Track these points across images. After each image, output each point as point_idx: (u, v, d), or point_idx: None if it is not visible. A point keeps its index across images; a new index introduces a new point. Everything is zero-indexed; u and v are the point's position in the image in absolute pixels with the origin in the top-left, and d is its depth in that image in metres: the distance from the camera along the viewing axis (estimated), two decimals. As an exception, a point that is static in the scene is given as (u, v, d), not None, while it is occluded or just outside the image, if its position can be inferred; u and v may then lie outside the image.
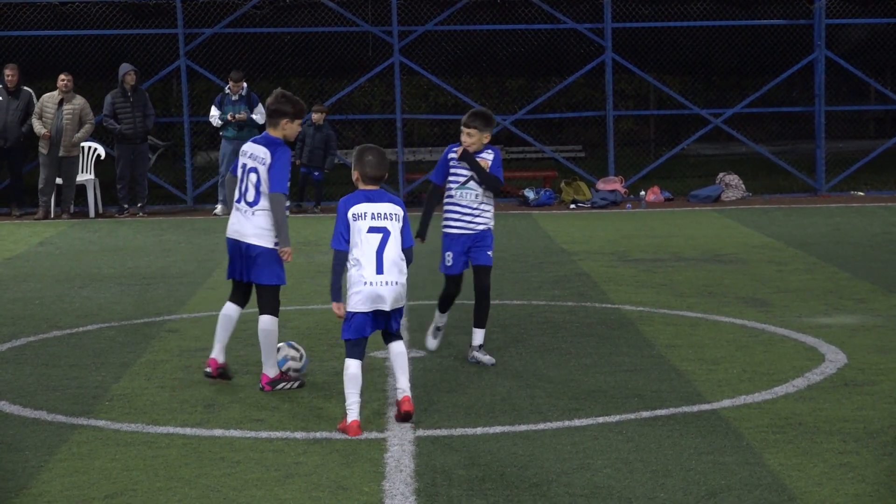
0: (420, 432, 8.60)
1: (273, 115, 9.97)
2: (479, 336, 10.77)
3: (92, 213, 23.81)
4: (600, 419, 8.89)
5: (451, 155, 10.68)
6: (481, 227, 10.68)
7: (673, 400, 9.39)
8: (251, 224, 9.98)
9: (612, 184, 25.16)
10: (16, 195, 24.03)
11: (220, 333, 10.23)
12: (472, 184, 10.64)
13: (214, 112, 23.51)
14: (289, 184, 9.95)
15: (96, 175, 24.21)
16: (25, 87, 23.64)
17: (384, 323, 8.85)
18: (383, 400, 9.53)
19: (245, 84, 23.65)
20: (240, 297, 10.35)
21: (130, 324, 12.83)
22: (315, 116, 23.70)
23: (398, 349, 8.92)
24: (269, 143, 9.91)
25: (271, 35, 29.72)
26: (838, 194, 25.95)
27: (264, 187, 9.88)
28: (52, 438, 8.61)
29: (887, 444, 8.18)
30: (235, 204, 10.04)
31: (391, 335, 8.94)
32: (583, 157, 31.04)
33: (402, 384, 8.85)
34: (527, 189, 25.29)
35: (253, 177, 9.91)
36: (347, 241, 8.90)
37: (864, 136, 34.16)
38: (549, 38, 29.26)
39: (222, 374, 10.20)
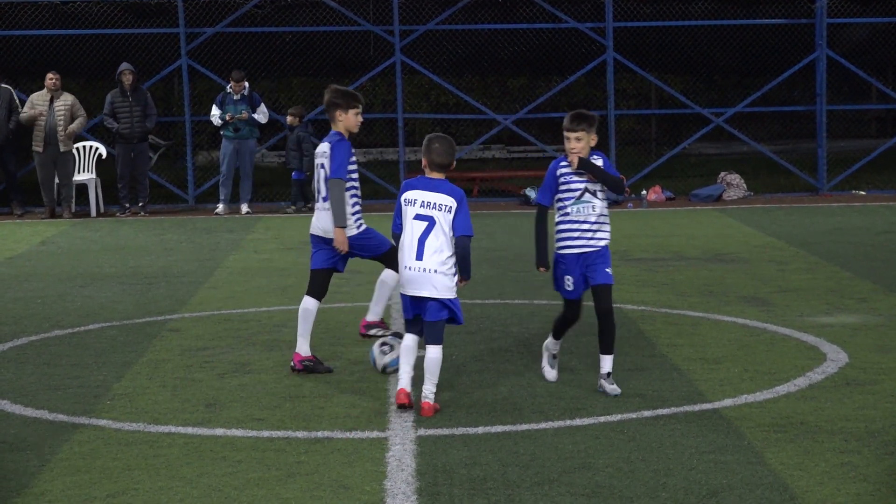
0: (422, 431, 8.61)
1: (328, 110, 10.50)
2: (607, 363, 9.60)
3: (93, 213, 23.82)
4: (602, 418, 8.89)
5: (563, 169, 9.70)
6: (603, 243, 9.62)
7: (674, 399, 9.39)
8: (327, 217, 10.46)
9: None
10: (14, 194, 24.02)
11: (301, 327, 10.48)
12: (588, 196, 9.69)
13: (215, 111, 23.53)
14: (348, 172, 10.36)
15: (97, 174, 24.22)
16: (4, 85, 23.61)
17: (421, 309, 9.13)
18: (384, 399, 9.53)
19: (247, 84, 23.66)
20: (319, 291, 10.61)
21: (132, 323, 12.84)
22: (289, 119, 23.66)
23: (431, 354, 9.15)
24: (329, 139, 10.47)
25: (273, 34, 29.71)
26: (840, 193, 25.94)
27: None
28: (54, 438, 8.61)
29: (888, 443, 8.17)
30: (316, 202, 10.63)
31: (429, 334, 9.15)
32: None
33: (427, 389, 9.08)
34: (528, 188, 25.28)
35: (321, 173, 10.48)
36: (400, 224, 9.26)
37: (866, 136, 34.13)
38: (550, 37, 29.24)
39: (308, 367, 10.41)
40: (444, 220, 9.09)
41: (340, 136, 10.41)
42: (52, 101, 23.08)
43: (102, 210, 24.11)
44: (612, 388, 9.55)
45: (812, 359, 10.61)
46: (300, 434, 8.61)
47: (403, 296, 9.21)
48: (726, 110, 26.91)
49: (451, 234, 9.12)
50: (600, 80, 27.66)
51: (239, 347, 11.52)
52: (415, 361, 9.26)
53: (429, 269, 9.05)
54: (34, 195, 24.18)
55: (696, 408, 9.14)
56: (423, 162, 9.32)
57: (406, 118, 26.84)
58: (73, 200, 23.68)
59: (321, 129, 28.78)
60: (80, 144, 24.32)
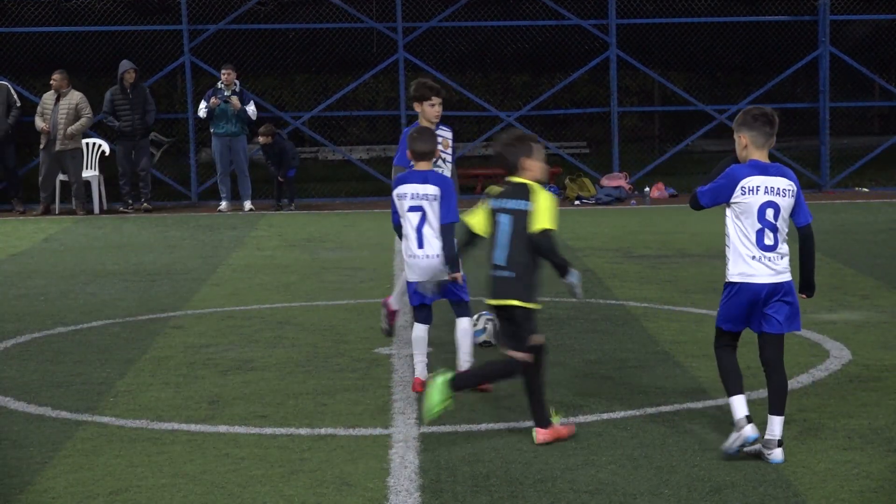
0: (425, 428, 8.60)
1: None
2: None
3: (96, 210, 23.82)
4: (605, 415, 8.89)
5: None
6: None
7: (677, 396, 9.38)
8: None
9: (616, 180, 25.16)
10: (14, 190, 24.02)
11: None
12: None
13: (203, 104, 23.48)
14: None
15: (100, 171, 24.23)
16: (2, 81, 23.62)
17: (440, 293, 9.44)
18: (387, 396, 9.53)
19: (237, 81, 23.61)
20: None
21: (135, 320, 12.84)
22: (262, 140, 23.60)
23: (462, 325, 9.63)
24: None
25: (275, 31, 29.71)
26: (843, 190, 25.93)
27: None
28: (57, 435, 8.62)
29: (892, 440, 8.17)
30: None
31: (459, 307, 9.59)
32: (587, 153, 31.04)
33: (461, 359, 9.51)
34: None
35: None
36: (398, 213, 9.58)
37: (869, 133, 34.13)
38: (553, 34, 29.23)
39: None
40: (433, 209, 9.40)
41: (406, 130, 10.81)
42: (58, 99, 23.12)
43: (106, 207, 24.12)
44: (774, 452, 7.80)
45: (815, 356, 10.60)
46: (303, 431, 8.61)
47: (409, 283, 9.58)
48: (729, 107, 26.90)
49: None
50: (603, 77, 27.66)
51: (242, 344, 11.52)
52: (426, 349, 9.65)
53: (431, 255, 9.40)
54: (33, 191, 24.17)
55: (699, 404, 9.14)
56: (408, 155, 9.60)
57: (409, 115, 26.83)
58: (84, 197, 23.67)
59: (323, 126, 28.81)
60: (83, 141, 24.33)
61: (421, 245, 9.44)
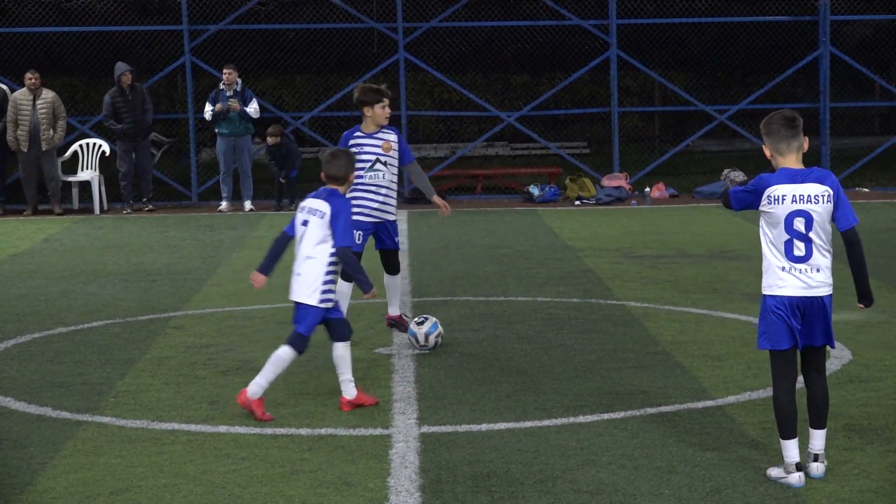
0: (425, 429, 8.61)
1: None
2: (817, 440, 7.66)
3: (97, 210, 23.82)
4: (605, 416, 8.89)
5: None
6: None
7: (678, 396, 9.39)
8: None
9: (616, 180, 25.15)
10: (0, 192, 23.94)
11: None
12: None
13: (208, 107, 23.48)
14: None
15: (101, 172, 24.22)
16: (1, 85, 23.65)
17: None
18: (387, 397, 9.53)
19: (239, 80, 23.61)
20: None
21: (135, 320, 12.84)
22: (270, 140, 23.59)
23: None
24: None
25: (276, 31, 29.70)
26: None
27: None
28: (57, 435, 8.62)
29: (892, 439, 8.17)
30: None
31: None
32: (587, 153, 31.01)
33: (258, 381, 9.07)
34: (531, 185, 25.28)
35: None
36: (291, 227, 9.33)
37: (869, 133, 34.10)
38: (553, 34, 29.22)
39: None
40: (314, 226, 9.11)
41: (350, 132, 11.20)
42: (34, 99, 23.09)
43: (106, 207, 24.12)
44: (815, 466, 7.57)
45: (815, 356, 10.59)
46: (304, 431, 8.62)
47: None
48: (730, 107, 26.89)
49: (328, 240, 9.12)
50: (604, 77, 27.65)
51: (242, 345, 11.52)
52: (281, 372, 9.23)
53: (297, 273, 9.29)
54: (18, 193, 24.14)
55: (700, 405, 9.15)
56: (322, 175, 9.33)
57: (409, 115, 26.82)
58: (61, 197, 23.65)
59: (323, 126, 28.81)
60: (83, 142, 24.33)
61: (296, 260, 9.24)
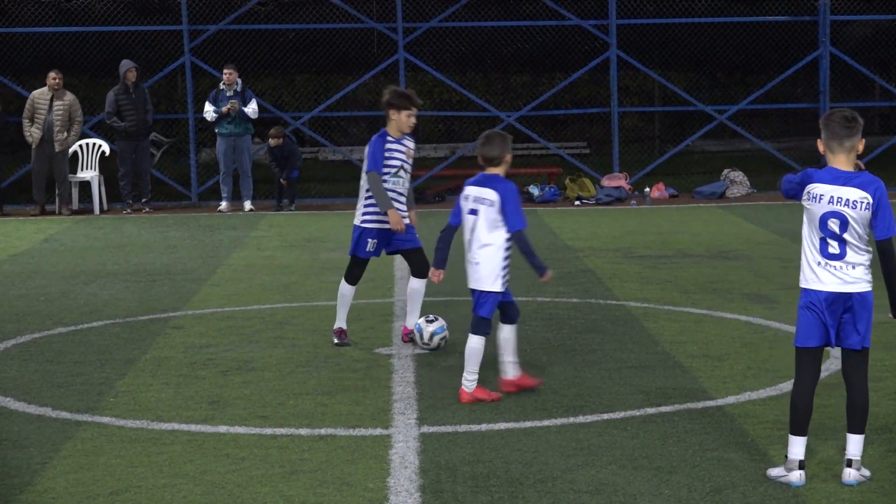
0: (425, 429, 8.61)
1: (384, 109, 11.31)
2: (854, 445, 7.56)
3: (97, 210, 23.82)
4: (605, 416, 8.89)
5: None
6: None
7: (678, 396, 9.38)
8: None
9: (616, 180, 25.15)
10: None
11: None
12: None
13: (209, 107, 23.48)
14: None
15: (101, 171, 24.22)
16: None
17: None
18: (387, 396, 9.53)
19: (239, 80, 23.61)
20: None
21: (135, 320, 12.84)
22: (272, 142, 23.60)
23: (504, 333, 9.59)
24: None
25: (276, 31, 29.71)
26: (843, 191, 25.91)
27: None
28: (57, 435, 8.62)
29: (892, 440, 8.17)
30: None
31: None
32: (587, 153, 31.03)
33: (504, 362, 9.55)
34: (531, 185, 25.28)
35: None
36: (456, 218, 9.58)
37: (869, 133, 33.96)
38: (553, 34, 29.24)
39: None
40: (485, 214, 9.33)
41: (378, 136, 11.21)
42: (52, 99, 23.10)
43: (106, 207, 24.12)
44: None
45: (815, 356, 10.59)
46: (303, 431, 8.61)
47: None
48: (730, 107, 26.90)
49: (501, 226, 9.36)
50: (604, 77, 27.65)
51: (242, 345, 11.52)
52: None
53: (474, 262, 9.42)
54: (18, 193, 24.14)
55: (700, 405, 9.14)
56: (479, 160, 9.63)
57: (409, 115, 26.78)
58: (71, 198, 23.67)
59: (323, 126, 28.82)
60: (83, 142, 24.32)
61: (469, 249, 9.43)
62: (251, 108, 23.42)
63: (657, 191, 25.18)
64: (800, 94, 32.41)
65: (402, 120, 11.06)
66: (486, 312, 9.38)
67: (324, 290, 14.48)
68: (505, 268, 9.39)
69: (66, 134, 23.07)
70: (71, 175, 24.11)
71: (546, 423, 8.73)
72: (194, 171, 25.63)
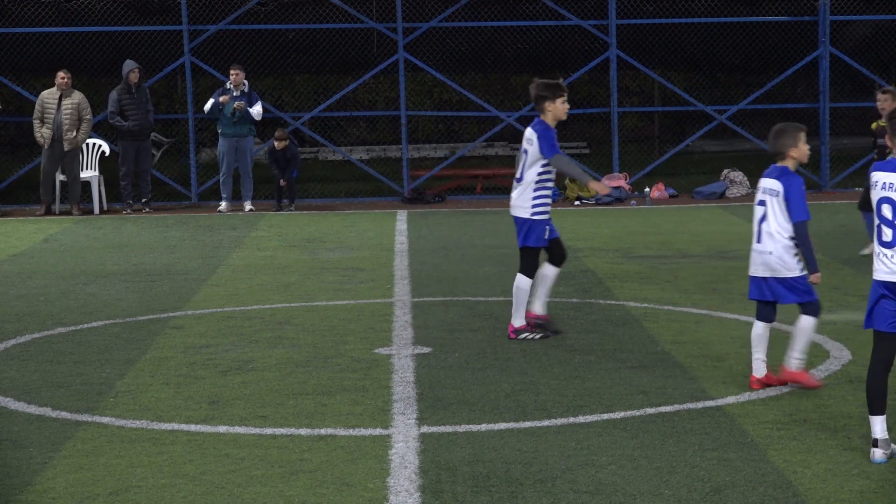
0: (425, 429, 8.61)
1: (536, 103, 11.47)
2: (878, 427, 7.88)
3: (97, 210, 23.81)
4: (605, 416, 8.89)
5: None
6: None
7: (677, 396, 9.38)
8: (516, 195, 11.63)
9: (616, 180, 25.14)
10: None
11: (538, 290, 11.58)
12: None
13: (210, 101, 23.44)
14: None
15: (100, 171, 24.22)
16: None
17: (769, 292, 9.53)
18: (387, 396, 9.53)
19: (246, 81, 23.61)
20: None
21: (135, 320, 12.84)
22: (278, 144, 23.60)
23: (800, 323, 9.57)
24: (534, 126, 11.52)
25: (276, 32, 29.71)
26: (843, 191, 25.91)
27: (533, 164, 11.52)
28: (57, 435, 8.62)
29: (892, 440, 8.16)
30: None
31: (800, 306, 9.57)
32: (587, 153, 31.02)
33: (790, 354, 9.56)
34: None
35: (524, 157, 11.53)
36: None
37: (869, 133, 34.08)
38: (553, 34, 29.23)
39: (539, 325, 11.43)
40: (774, 205, 9.42)
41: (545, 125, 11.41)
42: (61, 98, 23.11)
43: (106, 207, 24.12)
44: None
45: (815, 356, 10.59)
46: (303, 431, 8.62)
47: (751, 277, 9.65)
48: (729, 108, 26.89)
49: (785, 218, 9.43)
50: (603, 77, 27.66)
51: (242, 345, 11.52)
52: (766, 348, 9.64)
53: (767, 251, 9.45)
54: (20, 193, 24.16)
55: (700, 405, 9.14)
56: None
57: (409, 115, 26.83)
58: (80, 196, 23.70)
59: (323, 126, 28.82)
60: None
61: (759, 240, 9.48)
62: (256, 111, 23.43)
63: (657, 191, 25.18)
64: (800, 94, 32.40)
65: (558, 107, 11.24)
66: (811, 296, 9.46)
67: (323, 290, 14.48)
68: (796, 254, 9.44)
69: (75, 133, 23.07)
70: (71, 175, 24.14)
71: (546, 423, 8.73)
72: (194, 172, 25.62)
